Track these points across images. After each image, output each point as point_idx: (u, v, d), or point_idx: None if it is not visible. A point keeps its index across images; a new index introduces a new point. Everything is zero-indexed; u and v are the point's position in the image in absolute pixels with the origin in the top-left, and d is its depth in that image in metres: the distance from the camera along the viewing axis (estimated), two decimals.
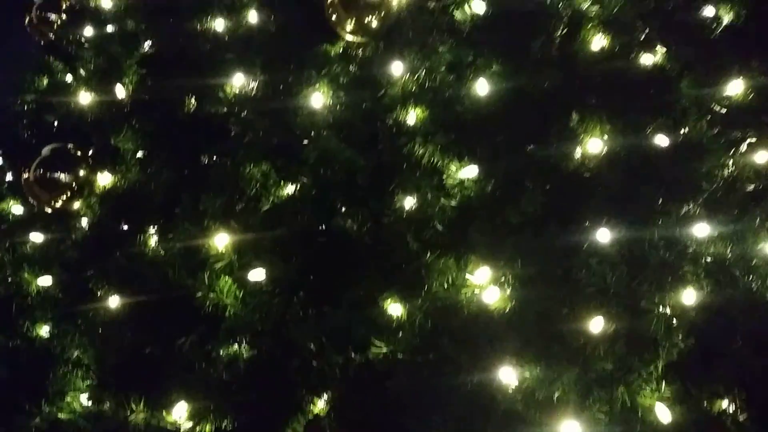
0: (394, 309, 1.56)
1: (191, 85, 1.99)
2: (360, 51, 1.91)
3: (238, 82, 1.93)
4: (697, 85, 1.78)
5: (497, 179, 1.66)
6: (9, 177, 2.50)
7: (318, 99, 1.86)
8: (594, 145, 1.66)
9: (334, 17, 1.84)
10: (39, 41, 2.80)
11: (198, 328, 1.72)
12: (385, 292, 1.57)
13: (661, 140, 1.70)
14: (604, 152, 1.65)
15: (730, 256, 1.60)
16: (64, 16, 2.76)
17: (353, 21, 1.82)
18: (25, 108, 2.62)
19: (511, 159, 1.69)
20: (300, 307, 1.64)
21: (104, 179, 2.03)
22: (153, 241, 1.85)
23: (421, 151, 1.72)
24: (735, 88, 1.82)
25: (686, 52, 1.83)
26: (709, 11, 1.94)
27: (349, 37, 1.88)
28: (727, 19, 1.93)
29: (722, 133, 1.73)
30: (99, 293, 1.85)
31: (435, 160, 1.71)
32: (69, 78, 2.43)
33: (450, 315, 1.52)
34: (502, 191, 1.66)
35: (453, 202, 1.67)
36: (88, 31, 2.52)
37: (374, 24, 1.83)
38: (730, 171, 1.69)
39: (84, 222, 2.01)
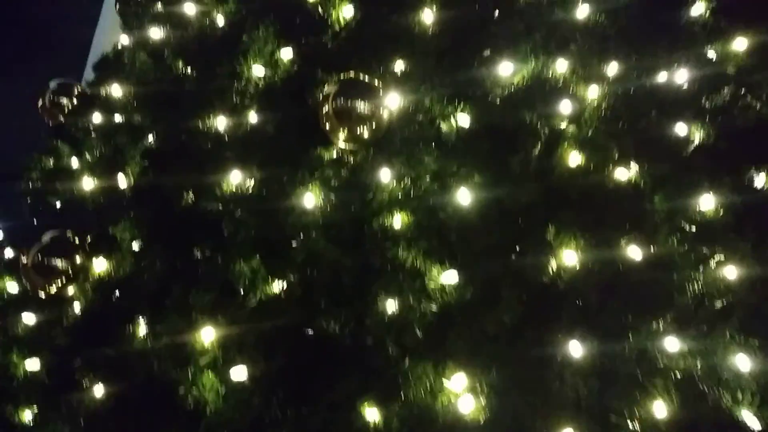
0: (371, 414, 1.60)
1: (190, 181, 2.10)
2: (352, 157, 2.02)
3: (235, 179, 2.04)
4: (670, 201, 1.88)
5: (476, 286, 1.73)
6: (8, 254, 2.58)
7: (310, 200, 1.95)
8: (569, 257, 1.74)
9: (328, 126, 1.97)
10: (49, 124, 2.95)
11: (179, 422, 1.74)
12: (363, 396, 1.61)
13: (634, 254, 1.78)
14: (578, 265, 1.73)
15: (699, 370, 1.65)
16: (75, 101, 2.92)
17: (346, 131, 1.94)
18: (30, 186, 2.73)
19: (490, 267, 1.76)
20: (279, 407, 1.67)
21: (99, 266, 2.10)
22: (142, 331, 1.90)
23: (404, 255, 1.80)
24: (706, 204, 1.92)
25: (659, 168, 1.93)
26: (681, 130, 2.07)
27: (342, 145, 2.00)
28: (698, 138, 2.06)
29: (693, 249, 1.81)
30: (85, 382, 1.88)
31: (418, 264, 1.79)
32: (74, 163, 2.54)
33: (426, 423, 1.55)
34: (481, 299, 1.72)
35: (434, 307, 1.73)
36: (97, 118, 2.66)
37: (366, 134, 1.95)
38: (700, 286, 1.76)
39: (76, 307, 2.07)
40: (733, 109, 2.17)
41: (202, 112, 2.21)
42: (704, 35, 2.30)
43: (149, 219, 2.09)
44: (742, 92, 2.19)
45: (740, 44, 2.29)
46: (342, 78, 2.01)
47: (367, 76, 2.04)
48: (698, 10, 2.34)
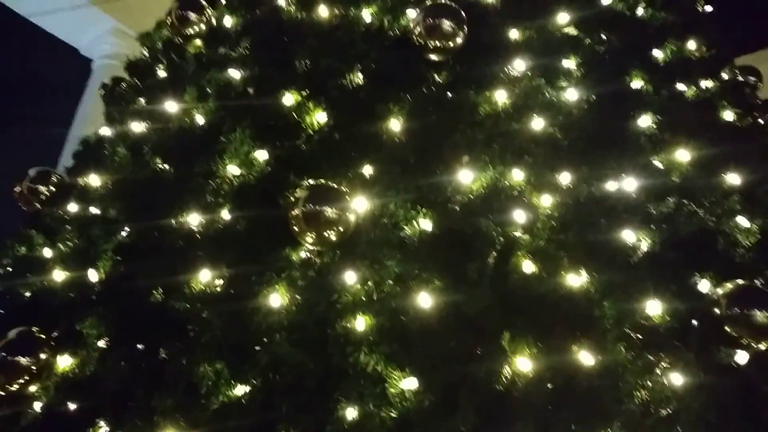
0: None
1: (160, 278, 2.15)
2: (318, 258, 2.10)
3: (204, 278, 2.10)
4: (618, 308, 1.98)
5: (435, 393, 1.78)
6: None
7: (276, 300, 2.02)
8: (523, 364, 1.81)
9: (296, 229, 2.06)
10: (25, 211, 3.00)
11: None
12: None
13: (584, 360, 1.86)
14: (531, 372, 1.80)
15: None
16: (52, 189, 2.99)
17: (314, 234, 2.03)
18: (0, 273, 2.75)
19: (448, 373, 1.82)
20: None
21: (63, 363, 2.11)
22: None
23: (366, 359, 1.85)
24: (652, 310, 2.02)
25: (608, 275, 2.04)
26: (629, 237, 2.20)
27: (310, 247, 2.08)
28: (645, 245, 2.19)
29: (639, 355, 1.90)
30: None
31: (379, 369, 1.84)
32: (47, 253, 2.58)
33: None
34: (439, 406, 1.77)
35: (393, 413, 1.77)
36: (73, 208, 2.73)
37: (333, 237, 2.04)
38: (646, 394, 1.83)
39: (36, 406, 2.06)
40: (678, 217, 2.31)
41: (176, 209, 2.30)
42: (650, 146, 2.49)
43: (117, 316, 2.12)
44: (686, 201, 2.35)
45: (683, 155, 2.48)
46: (312, 184, 2.12)
47: (335, 183, 2.16)
48: (645, 122, 2.54)
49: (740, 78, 3.44)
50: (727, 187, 2.50)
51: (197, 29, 2.97)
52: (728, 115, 2.74)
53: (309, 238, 2.06)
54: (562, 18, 2.73)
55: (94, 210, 2.61)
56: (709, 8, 3.60)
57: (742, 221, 2.40)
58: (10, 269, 2.71)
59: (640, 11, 2.99)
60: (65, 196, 2.82)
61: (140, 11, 6.41)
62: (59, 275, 2.41)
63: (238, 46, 2.90)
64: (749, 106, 2.92)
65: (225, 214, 2.29)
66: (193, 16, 2.95)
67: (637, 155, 2.44)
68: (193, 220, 2.29)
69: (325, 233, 2.04)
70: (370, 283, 2.00)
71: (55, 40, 7.81)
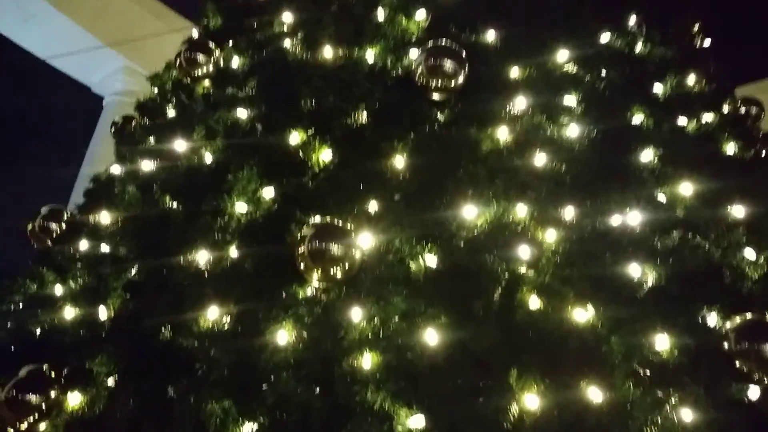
0: None
1: (168, 316, 2.17)
2: (325, 295, 2.12)
3: (212, 316, 2.12)
4: (625, 343, 1.98)
5: (442, 431, 1.78)
6: None
7: (283, 337, 2.03)
8: (530, 401, 1.80)
9: (303, 266, 2.08)
10: (36, 248, 3.05)
11: None
12: None
13: (593, 397, 1.85)
14: (539, 410, 1.79)
15: None
16: (63, 227, 3.04)
17: (320, 271, 2.05)
18: (12, 309, 2.77)
19: (455, 411, 1.82)
20: None
21: (73, 400, 2.12)
22: None
23: (373, 397, 1.85)
24: (661, 345, 2.02)
25: (615, 310, 2.04)
26: (634, 272, 2.20)
27: (316, 284, 2.10)
28: (651, 279, 2.19)
29: (648, 391, 1.88)
30: None
31: (386, 407, 1.84)
32: (58, 290, 2.61)
33: None
34: None
35: None
36: (83, 246, 2.77)
37: (339, 274, 2.06)
38: (657, 430, 1.82)
39: None
40: (684, 250, 2.32)
41: (184, 247, 2.33)
42: (653, 180, 2.51)
43: (126, 354, 2.14)
44: (691, 234, 2.36)
45: (687, 188, 2.50)
46: (317, 222, 2.15)
47: (341, 220, 2.19)
48: (647, 156, 2.57)
49: (742, 109, 3.47)
50: (731, 219, 2.51)
51: (205, 70, 3.06)
52: (730, 148, 2.76)
53: (315, 275, 2.08)
54: (562, 56, 2.79)
55: (104, 248, 2.65)
56: (707, 42, 3.66)
57: (749, 254, 2.41)
58: (21, 306, 2.73)
59: (639, 47, 3.05)
60: (76, 234, 2.87)
61: (151, 49, 6.58)
62: (69, 312, 2.44)
63: (245, 86, 2.97)
64: (752, 139, 2.95)
65: (232, 252, 2.32)
66: (201, 57, 3.04)
67: (640, 189, 2.46)
68: (201, 257, 2.32)
69: (331, 270, 2.06)
70: (376, 319, 2.01)
71: (67, 77, 8.00)
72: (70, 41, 6.76)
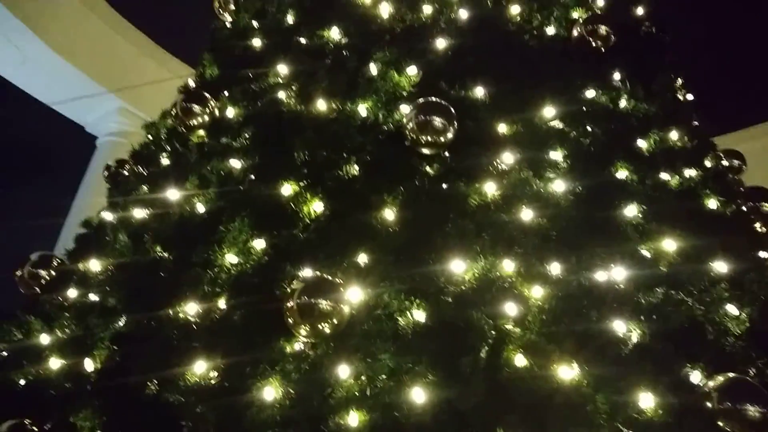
0: None
1: (155, 370, 2.16)
2: (312, 351, 2.12)
3: (199, 370, 2.12)
4: (610, 401, 1.99)
5: None
6: None
7: (270, 393, 2.03)
8: None
9: (291, 321, 2.10)
10: (25, 296, 3.04)
11: None
12: None
13: None
14: None
15: None
16: (52, 274, 3.04)
17: (308, 327, 2.06)
18: None
19: None
20: None
21: None
22: None
23: None
24: (645, 403, 2.03)
25: (600, 368, 2.06)
26: (619, 328, 2.23)
27: (304, 339, 2.11)
28: (635, 336, 2.22)
29: None
30: None
31: None
32: (44, 339, 2.60)
33: None
34: None
35: None
36: (72, 294, 2.77)
37: (327, 330, 2.08)
38: None
39: None
40: (667, 306, 2.35)
41: (173, 299, 2.34)
42: (637, 236, 2.56)
43: (111, 408, 2.12)
44: (674, 291, 2.40)
45: (670, 244, 2.54)
46: (307, 277, 2.17)
47: (330, 275, 2.21)
48: (631, 212, 2.63)
49: (724, 162, 3.56)
50: (714, 275, 2.55)
51: (201, 120, 3.12)
52: (712, 203, 2.82)
53: (303, 331, 2.09)
54: (548, 112, 2.87)
55: (93, 297, 2.65)
56: (690, 96, 3.78)
57: (732, 309, 2.44)
58: (6, 355, 2.71)
59: (623, 103, 3.14)
60: (65, 282, 2.87)
61: (146, 91, 6.69)
62: (55, 363, 2.42)
63: (239, 137, 3.03)
64: (733, 193, 3.02)
65: (221, 304, 2.33)
66: (197, 108, 3.11)
67: (624, 245, 2.50)
68: (190, 309, 2.33)
69: (319, 326, 2.08)
70: (363, 377, 2.02)
71: (60, 115, 8.07)
72: (66, 83, 6.85)
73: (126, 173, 3.61)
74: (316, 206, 2.56)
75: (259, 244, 2.48)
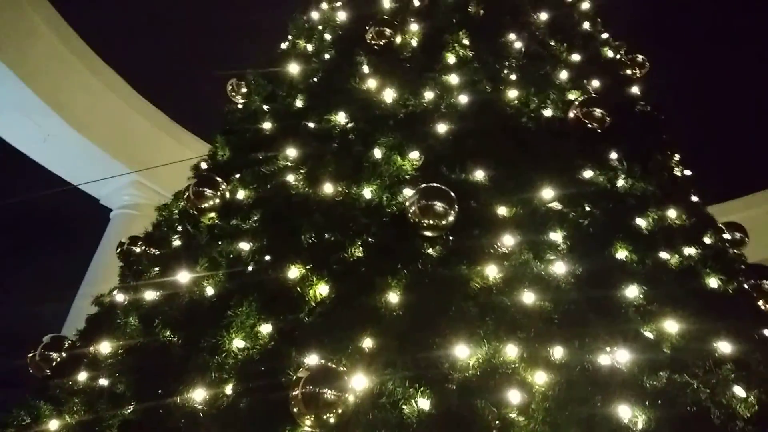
0: None
1: None
2: None
3: None
4: None
5: None
6: None
7: None
8: None
9: (296, 410, 2.11)
10: (36, 377, 3.08)
11: None
12: None
13: None
14: None
15: None
16: (63, 356, 3.08)
17: (313, 417, 2.08)
18: None
19: None
20: None
21: None
22: None
23: None
24: None
25: None
26: (624, 414, 2.23)
27: (309, 429, 2.12)
28: (641, 423, 2.21)
29: None
30: None
31: None
32: (52, 425, 2.62)
33: None
34: None
35: None
36: (82, 377, 2.80)
37: (331, 419, 2.09)
38: None
39: None
40: (672, 390, 2.35)
41: (181, 386, 2.37)
42: (639, 317, 2.58)
43: None
44: (678, 374, 2.40)
45: (672, 326, 2.56)
46: (312, 365, 2.20)
47: (335, 360, 2.24)
48: (632, 293, 2.66)
49: (726, 235, 3.61)
50: (718, 355, 2.55)
51: (212, 203, 3.23)
52: (713, 282, 2.85)
53: (308, 421, 2.11)
54: (547, 193, 2.96)
55: (102, 381, 2.68)
56: (687, 172, 3.87)
57: (739, 391, 2.43)
58: None
59: (620, 182, 3.23)
60: (75, 364, 2.91)
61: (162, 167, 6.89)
62: None
63: (249, 219, 3.13)
64: (734, 271, 3.05)
65: (228, 390, 2.36)
66: (209, 191, 3.22)
67: (626, 327, 2.52)
68: (197, 396, 2.35)
69: (324, 416, 2.09)
70: None
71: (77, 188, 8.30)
72: (84, 158, 7.10)
73: (138, 250, 3.71)
74: (322, 289, 2.62)
75: (265, 328, 2.53)
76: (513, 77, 3.62)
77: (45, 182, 8.58)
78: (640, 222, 3.05)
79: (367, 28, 3.86)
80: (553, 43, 4.03)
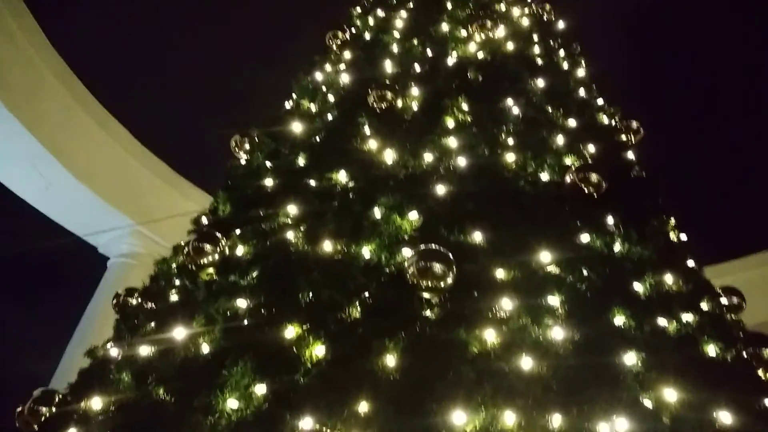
0: None
1: None
2: None
3: None
4: None
5: None
6: None
7: None
8: None
9: None
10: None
11: None
12: None
13: None
14: None
15: None
16: (53, 410, 3.02)
17: None
18: None
19: None
20: None
21: None
22: None
23: None
24: None
25: None
26: None
27: None
28: None
29: None
30: None
31: None
32: None
33: None
34: None
35: None
36: None
37: None
38: None
39: None
40: None
41: None
42: (638, 385, 2.56)
43: None
44: None
45: (671, 394, 2.54)
46: (305, 430, 2.17)
47: (330, 425, 2.21)
48: (630, 360, 2.65)
49: (723, 300, 3.61)
50: (719, 426, 2.52)
51: (211, 259, 3.24)
52: (712, 350, 2.85)
53: None
54: (545, 257, 2.99)
55: None
56: (684, 237, 3.91)
57: None
58: None
59: (617, 247, 3.26)
60: (65, 420, 2.85)
61: (158, 214, 6.93)
62: None
63: (247, 275, 3.14)
64: (732, 338, 3.04)
65: None
66: (208, 247, 3.24)
67: (626, 395, 2.50)
68: None
69: None
70: None
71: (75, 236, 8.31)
72: (85, 207, 7.15)
73: (134, 302, 3.69)
74: (318, 350, 2.60)
75: (260, 389, 2.50)
76: (511, 141, 3.70)
77: (43, 227, 8.61)
78: (638, 287, 3.06)
79: (369, 90, 3.97)
80: (549, 109, 4.15)
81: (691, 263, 3.68)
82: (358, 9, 5.66)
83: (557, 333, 2.65)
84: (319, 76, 4.77)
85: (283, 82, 4.91)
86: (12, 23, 6.79)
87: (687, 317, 3.00)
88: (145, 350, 2.99)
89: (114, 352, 3.19)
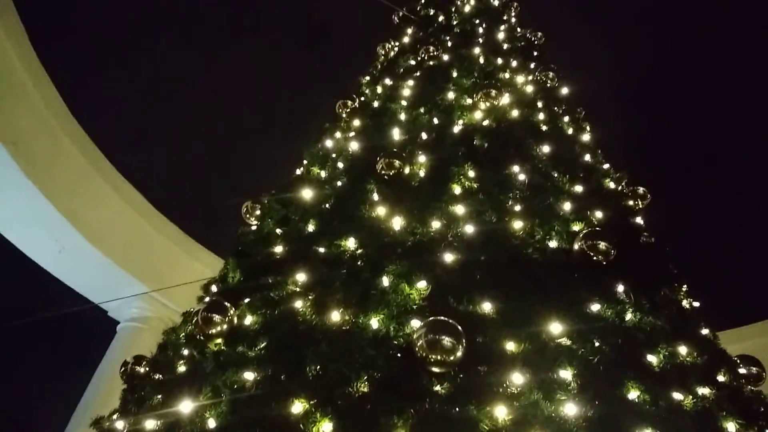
0: None
1: None
2: None
3: None
4: None
5: None
6: None
7: None
8: None
9: None
10: None
11: None
12: None
13: None
14: None
15: None
16: None
17: None
18: None
19: None
20: None
21: None
22: None
23: None
24: None
25: None
26: None
27: None
28: None
29: None
30: None
31: None
32: None
33: None
34: None
35: None
36: None
37: None
38: None
39: None
40: None
41: None
42: None
43: None
44: None
45: None
46: None
47: None
48: None
49: (742, 370, 3.51)
50: None
51: (219, 329, 3.23)
52: (731, 427, 2.75)
53: None
54: (555, 328, 2.95)
55: None
56: (696, 304, 3.86)
57: None
58: None
59: (628, 316, 3.21)
60: None
61: (169, 278, 6.95)
62: None
63: (255, 346, 3.11)
64: (752, 413, 2.95)
65: None
66: (217, 317, 3.24)
67: None
68: None
69: None
70: None
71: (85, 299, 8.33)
72: (98, 272, 7.19)
73: (142, 371, 3.66)
74: (326, 427, 2.55)
75: None
76: (517, 208, 3.72)
77: (55, 289, 8.64)
78: (651, 358, 3.00)
79: (377, 158, 4.05)
80: (555, 175, 4.18)
81: (705, 331, 3.61)
82: (367, 78, 5.85)
83: (570, 409, 2.58)
84: (329, 143, 4.88)
85: (294, 151, 5.03)
86: (34, 92, 7.05)
87: (703, 391, 2.92)
88: (150, 424, 2.95)
89: (120, 424, 3.14)
